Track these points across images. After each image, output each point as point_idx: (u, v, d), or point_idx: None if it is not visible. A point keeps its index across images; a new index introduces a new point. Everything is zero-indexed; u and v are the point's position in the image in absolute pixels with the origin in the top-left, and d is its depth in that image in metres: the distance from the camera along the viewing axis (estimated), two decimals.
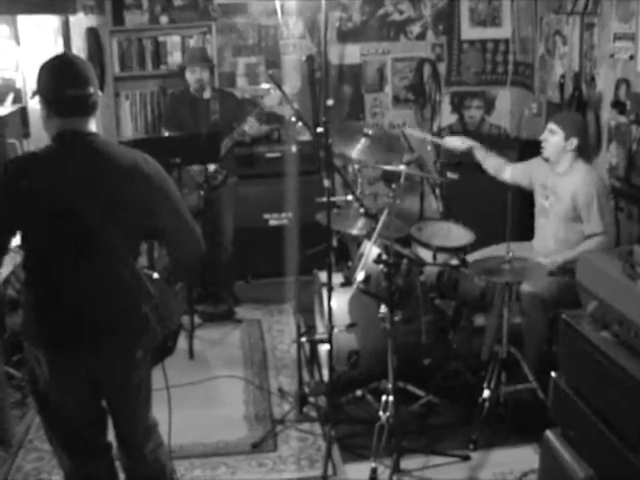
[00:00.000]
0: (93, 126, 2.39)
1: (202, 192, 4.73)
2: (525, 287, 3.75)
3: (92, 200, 2.29)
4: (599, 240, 3.73)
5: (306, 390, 3.94)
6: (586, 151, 4.07)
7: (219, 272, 5.16)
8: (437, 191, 5.65)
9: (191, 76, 4.90)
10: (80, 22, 5.39)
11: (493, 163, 4.29)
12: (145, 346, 2.48)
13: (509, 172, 4.22)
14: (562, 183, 3.87)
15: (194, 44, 5.61)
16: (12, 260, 3.38)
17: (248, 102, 5.51)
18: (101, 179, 2.33)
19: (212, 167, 4.85)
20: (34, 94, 2.38)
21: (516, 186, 4.15)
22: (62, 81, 2.32)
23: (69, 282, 2.37)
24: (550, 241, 3.95)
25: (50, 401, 2.47)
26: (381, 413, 3.42)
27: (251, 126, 4.80)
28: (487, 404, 3.54)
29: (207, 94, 4.96)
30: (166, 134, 4.97)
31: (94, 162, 2.34)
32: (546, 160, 3.95)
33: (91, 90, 2.34)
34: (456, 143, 4.39)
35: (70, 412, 2.49)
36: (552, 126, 3.88)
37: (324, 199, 3.47)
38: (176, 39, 5.63)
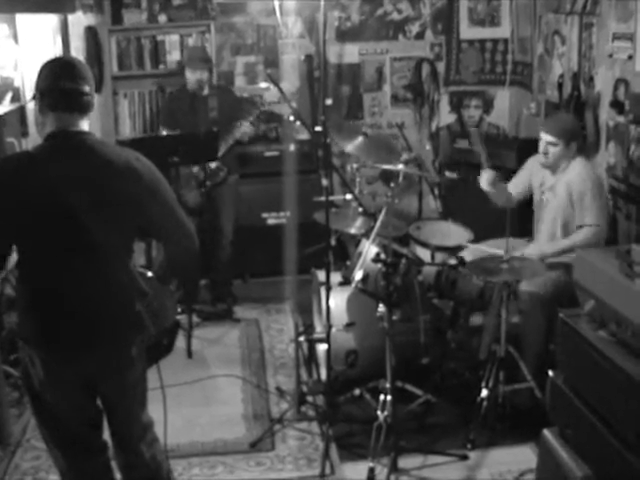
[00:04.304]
0: (86, 126, 2.39)
1: (203, 190, 4.73)
2: (523, 286, 3.75)
3: (85, 198, 2.28)
4: (589, 231, 3.73)
5: (304, 389, 3.93)
6: (583, 146, 4.07)
7: (218, 271, 5.16)
8: (436, 190, 5.67)
9: (191, 76, 4.92)
10: (79, 21, 5.39)
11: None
12: (139, 344, 2.48)
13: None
14: (559, 179, 3.88)
15: (193, 43, 5.61)
16: (10, 258, 3.36)
17: (247, 101, 5.49)
18: (93, 177, 2.33)
19: (213, 164, 4.85)
20: (33, 97, 2.38)
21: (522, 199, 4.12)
22: (58, 74, 2.33)
23: (62, 280, 2.37)
24: (548, 238, 3.95)
25: (45, 400, 2.46)
26: (379, 412, 3.42)
27: (244, 132, 4.84)
28: (485, 403, 3.55)
29: (205, 91, 4.98)
30: (164, 133, 4.98)
31: (86, 160, 2.34)
32: (548, 168, 3.91)
33: (86, 88, 2.35)
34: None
35: (65, 411, 2.48)
36: (549, 138, 3.81)
37: (322, 198, 3.47)
38: (175, 38, 5.62)
